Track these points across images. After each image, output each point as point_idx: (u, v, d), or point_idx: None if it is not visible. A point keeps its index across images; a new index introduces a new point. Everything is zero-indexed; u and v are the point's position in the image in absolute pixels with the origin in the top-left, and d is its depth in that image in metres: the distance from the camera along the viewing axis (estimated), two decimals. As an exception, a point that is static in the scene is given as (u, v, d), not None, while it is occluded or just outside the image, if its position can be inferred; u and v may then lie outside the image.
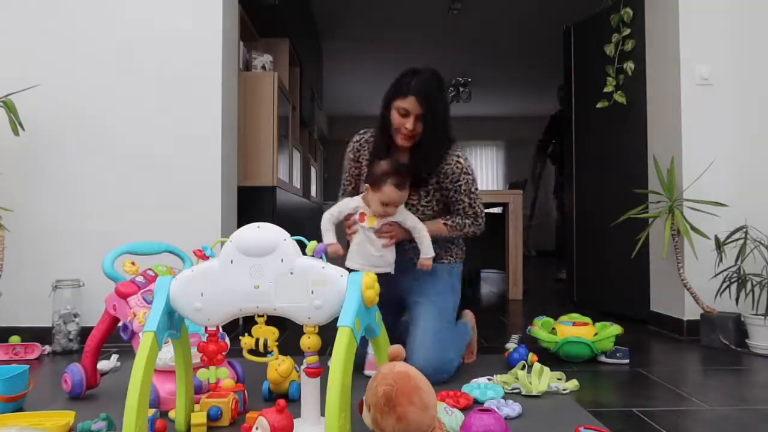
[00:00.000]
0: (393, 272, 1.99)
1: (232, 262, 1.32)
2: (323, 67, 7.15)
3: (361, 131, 2.22)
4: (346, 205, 2.01)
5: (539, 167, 5.73)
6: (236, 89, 3.14)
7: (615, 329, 2.27)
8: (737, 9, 2.91)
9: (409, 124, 1.96)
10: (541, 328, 2.39)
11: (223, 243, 1.38)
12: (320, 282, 1.29)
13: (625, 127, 3.41)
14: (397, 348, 1.31)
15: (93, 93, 2.77)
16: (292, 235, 1.36)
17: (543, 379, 1.85)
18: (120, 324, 1.75)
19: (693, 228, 2.73)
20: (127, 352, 2.35)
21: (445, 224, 2.06)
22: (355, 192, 2.18)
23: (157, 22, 2.79)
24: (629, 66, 3.29)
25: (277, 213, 3.32)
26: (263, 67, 3.65)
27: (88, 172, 2.75)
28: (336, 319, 1.26)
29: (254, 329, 1.41)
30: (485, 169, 10.58)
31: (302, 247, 1.37)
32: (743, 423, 1.59)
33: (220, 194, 2.78)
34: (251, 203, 3.24)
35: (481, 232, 2.14)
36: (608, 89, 3.40)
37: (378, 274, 1.40)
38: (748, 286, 2.57)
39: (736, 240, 2.68)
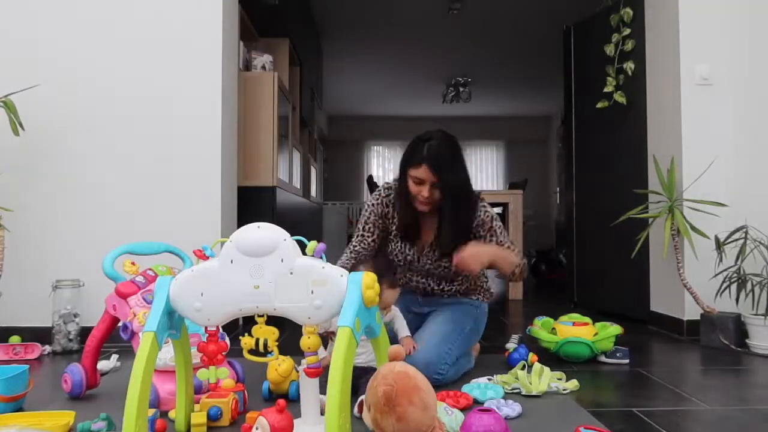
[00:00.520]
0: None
1: (232, 262, 1.32)
2: (323, 67, 7.15)
3: (388, 185, 2.14)
4: None
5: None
6: (236, 89, 3.14)
7: (615, 329, 2.26)
8: (737, 9, 2.91)
9: (425, 191, 1.94)
10: (541, 328, 2.39)
11: (223, 243, 1.38)
12: (320, 282, 1.29)
13: (625, 127, 3.42)
14: (397, 348, 1.31)
15: (93, 93, 2.77)
16: (292, 235, 1.36)
17: (543, 379, 1.85)
18: (120, 324, 1.75)
19: (693, 228, 2.73)
20: (127, 352, 2.35)
21: (514, 254, 2.00)
22: (375, 244, 2.13)
23: (156, 22, 2.79)
24: (629, 66, 3.29)
25: (277, 213, 3.32)
26: (263, 67, 3.65)
27: (88, 172, 2.75)
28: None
29: (254, 329, 1.41)
30: (485, 169, 10.58)
31: (302, 247, 1.37)
32: (743, 423, 1.59)
33: (220, 194, 2.78)
34: (251, 203, 3.24)
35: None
36: (608, 89, 3.40)
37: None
38: (748, 286, 2.57)
39: (736, 240, 2.68)
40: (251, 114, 3.32)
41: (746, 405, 1.76)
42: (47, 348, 2.53)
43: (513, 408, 1.61)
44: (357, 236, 2.15)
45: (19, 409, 1.69)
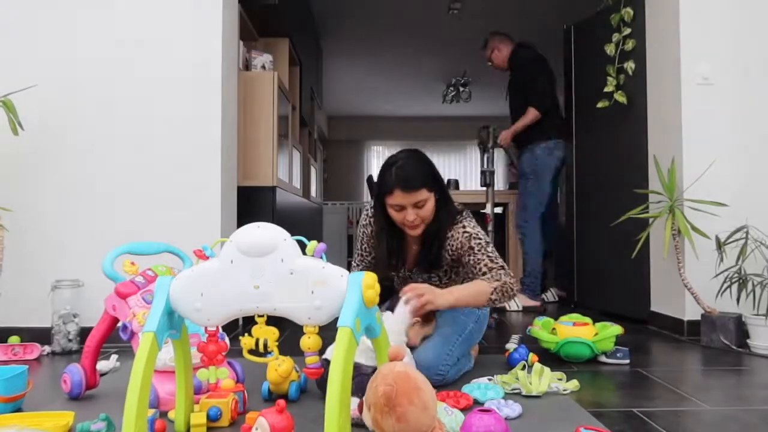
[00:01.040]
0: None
1: (232, 262, 1.32)
2: (323, 67, 7.15)
3: (372, 206, 2.10)
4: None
5: None
6: (236, 89, 3.14)
7: (615, 329, 2.26)
8: (737, 9, 2.91)
9: (409, 215, 1.90)
10: (541, 328, 2.39)
11: (223, 243, 1.38)
12: (320, 282, 1.29)
13: (626, 126, 3.41)
14: (397, 348, 1.31)
15: (92, 93, 2.77)
16: (292, 235, 1.36)
17: (543, 380, 1.85)
18: (119, 324, 1.75)
19: (693, 228, 2.72)
20: (127, 353, 2.35)
21: (483, 279, 1.92)
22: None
23: (156, 22, 2.79)
24: (629, 66, 3.29)
25: (277, 213, 3.32)
26: (263, 67, 3.64)
27: (88, 172, 2.75)
28: (336, 319, 1.26)
29: (254, 329, 1.41)
30: (485, 169, 10.58)
31: (302, 247, 1.37)
32: (743, 423, 1.58)
33: (220, 194, 2.78)
34: (251, 203, 3.24)
35: (516, 288, 2.00)
36: (608, 89, 3.40)
37: None
38: (749, 286, 2.57)
39: (737, 240, 2.68)
40: (251, 114, 3.32)
41: (747, 405, 1.75)
42: (46, 348, 2.53)
43: (513, 408, 1.61)
44: (357, 256, 2.17)
45: (19, 410, 1.69)
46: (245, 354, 1.42)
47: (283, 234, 1.33)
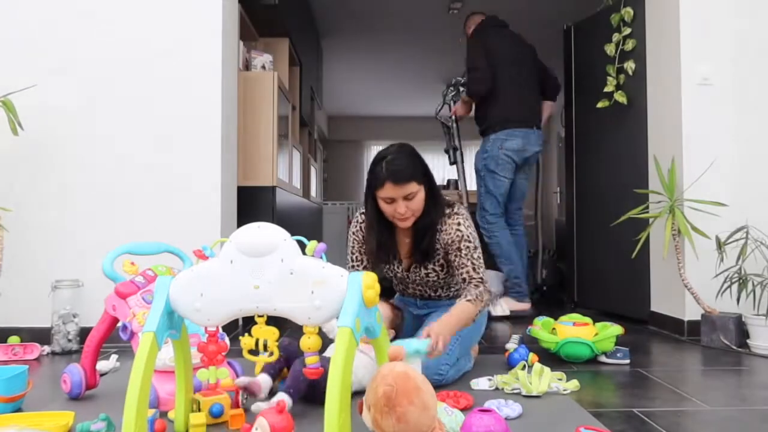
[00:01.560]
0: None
1: (232, 262, 1.32)
2: (323, 67, 7.15)
3: (361, 213, 2.12)
4: None
5: None
6: (236, 89, 3.14)
7: (615, 329, 2.26)
8: (738, 9, 2.90)
9: (400, 208, 1.92)
10: (541, 328, 2.39)
11: (223, 243, 1.38)
12: (320, 282, 1.29)
13: (626, 126, 3.41)
14: (398, 348, 1.31)
15: (92, 92, 2.77)
16: (292, 235, 1.36)
17: (543, 380, 1.85)
18: (119, 324, 1.75)
19: (694, 228, 2.72)
20: (127, 353, 2.35)
21: (468, 301, 1.91)
22: (368, 268, 2.13)
23: (156, 22, 2.78)
24: (630, 66, 3.29)
25: (277, 213, 3.32)
26: (263, 67, 3.64)
27: (88, 171, 2.75)
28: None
29: (254, 329, 1.41)
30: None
31: (302, 247, 1.37)
32: (743, 423, 1.58)
33: (219, 194, 2.78)
34: (251, 203, 3.24)
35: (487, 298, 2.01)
36: (609, 89, 3.40)
37: None
38: (749, 286, 2.57)
39: (737, 240, 2.68)
40: (251, 114, 3.32)
41: (747, 405, 1.75)
42: (46, 348, 2.53)
43: (513, 408, 1.60)
44: (348, 265, 2.16)
45: (18, 410, 1.69)
46: (245, 354, 1.42)
47: (283, 234, 1.33)
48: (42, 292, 2.61)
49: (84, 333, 2.37)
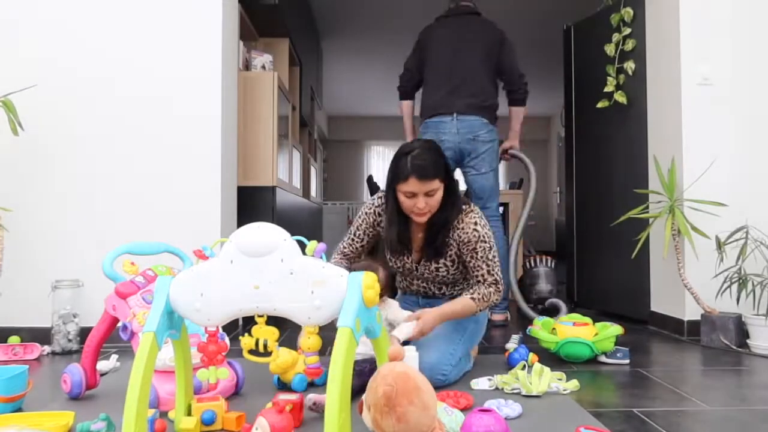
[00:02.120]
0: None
1: (232, 262, 1.32)
2: (323, 67, 7.15)
3: (379, 197, 2.13)
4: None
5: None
6: (236, 89, 3.14)
7: (615, 329, 2.26)
8: (738, 9, 2.90)
9: (420, 203, 1.93)
10: (541, 328, 2.39)
11: (223, 243, 1.38)
12: (320, 282, 1.29)
13: (626, 126, 3.41)
14: (398, 348, 1.31)
15: (92, 93, 2.76)
16: (292, 235, 1.36)
17: (543, 380, 1.85)
18: (119, 324, 1.75)
19: (693, 228, 2.72)
20: (127, 353, 2.35)
21: (472, 299, 1.99)
22: (365, 251, 2.17)
23: (156, 22, 2.78)
24: (629, 66, 3.29)
25: (277, 213, 3.32)
26: (263, 67, 3.64)
27: (88, 172, 2.75)
28: (336, 320, 1.26)
29: (254, 329, 1.41)
30: (485, 169, 10.59)
31: (302, 247, 1.37)
32: (743, 423, 1.58)
33: (219, 194, 2.78)
34: (251, 203, 3.24)
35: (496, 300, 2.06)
36: (609, 89, 3.40)
37: None
38: (749, 286, 2.57)
39: (737, 240, 2.68)
40: (251, 114, 3.32)
41: (747, 405, 1.75)
42: (46, 348, 2.53)
43: (513, 408, 1.60)
44: (348, 239, 2.17)
45: (19, 410, 1.69)
46: (245, 354, 1.42)
47: (283, 234, 1.33)
48: (42, 292, 2.61)
49: (84, 333, 2.37)
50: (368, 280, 1.29)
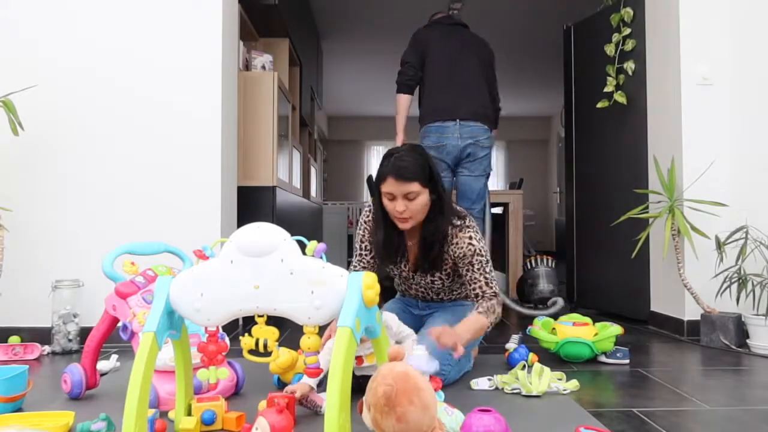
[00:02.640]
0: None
1: (232, 262, 1.32)
2: (323, 67, 7.15)
3: (370, 205, 2.14)
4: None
5: None
6: (236, 89, 3.14)
7: (615, 329, 2.26)
8: (737, 9, 2.91)
9: (398, 206, 1.91)
10: (541, 328, 2.39)
11: (223, 243, 1.38)
12: (320, 282, 1.29)
13: (625, 127, 3.41)
14: (397, 348, 1.31)
15: (92, 93, 2.77)
16: (292, 235, 1.36)
17: (543, 380, 1.85)
18: (119, 324, 1.75)
19: (693, 228, 2.73)
20: (127, 353, 2.35)
21: (480, 313, 1.95)
22: (375, 261, 2.14)
23: (156, 22, 2.78)
24: (629, 66, 3.29)
25: (277, 213, 3.32)
26: (263, 67, 3.64)
27: (88, 172, 2.75)
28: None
29: (254, 329, 1.41)
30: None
31: (302, 247, 1.37)
32: (743, 423, 1.58)
33: (219, 194, 2.78)
34: (251, 203, 3.24)
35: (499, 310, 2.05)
36: (608, 89, 3.40)
37: None
38: (749, 286, 2.57)
39: (737, 240, 2.68)
40: (251, 114, 3.32)
41: (747, 405, 1.75)
42: (47, 348, 2.53)
43: (430, 365, 1.60)
44: (356, 256, 2.17)
45: (19, 410, 1.69)
46: (245, 354, 1.42)
47: (283, 234, 1.33)
48: (42, 292, 2.61)
49: (84, 333, 2.37)
50: (368, 280, 1.30)
